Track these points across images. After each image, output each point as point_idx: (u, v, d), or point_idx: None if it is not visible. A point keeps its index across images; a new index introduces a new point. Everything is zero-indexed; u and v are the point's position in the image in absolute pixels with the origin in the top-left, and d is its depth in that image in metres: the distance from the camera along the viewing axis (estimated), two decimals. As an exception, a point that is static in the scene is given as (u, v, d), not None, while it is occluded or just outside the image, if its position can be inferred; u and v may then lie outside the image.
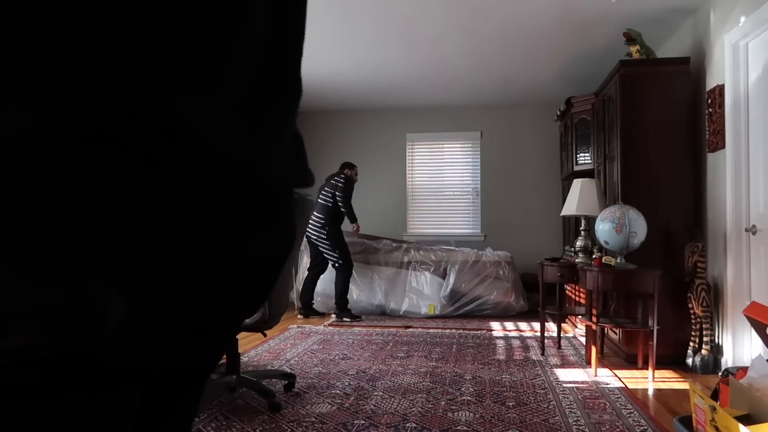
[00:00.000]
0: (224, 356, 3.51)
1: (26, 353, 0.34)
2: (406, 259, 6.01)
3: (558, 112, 5.81)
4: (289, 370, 3.48)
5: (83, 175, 0.35)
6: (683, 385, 3.25)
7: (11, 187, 0.33)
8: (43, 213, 0.34)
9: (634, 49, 4.08)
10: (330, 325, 5.33)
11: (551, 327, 4.67)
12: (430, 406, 2.83)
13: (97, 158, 0.36)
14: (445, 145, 7.15)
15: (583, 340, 4.35)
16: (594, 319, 3.50)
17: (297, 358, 3.88)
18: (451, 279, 5.85)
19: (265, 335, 3.41)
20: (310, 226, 5.53)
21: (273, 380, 3.19)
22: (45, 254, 0.34)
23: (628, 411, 2.74)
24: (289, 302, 3.16)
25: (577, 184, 4.13)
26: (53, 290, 0.34)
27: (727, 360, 3.43)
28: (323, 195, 5.57)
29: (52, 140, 0.34)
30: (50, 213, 0.34)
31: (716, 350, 3.59)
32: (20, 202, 0.33)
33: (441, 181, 7.11)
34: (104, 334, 0.36)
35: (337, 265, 5.55)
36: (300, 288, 5.96)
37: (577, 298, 5.02)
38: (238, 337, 3.00)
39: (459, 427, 2.51)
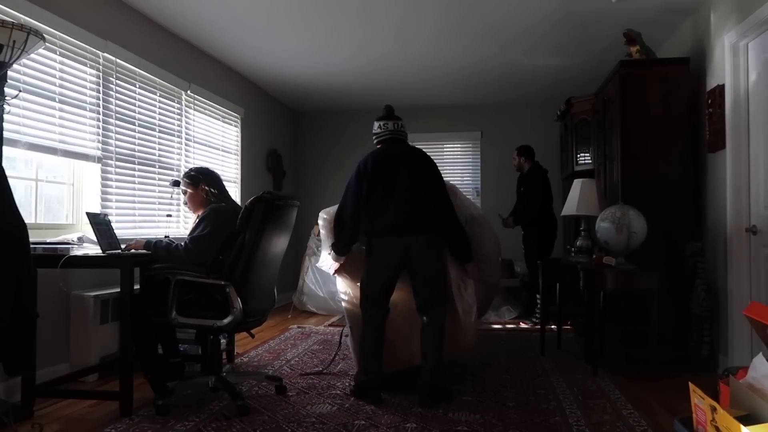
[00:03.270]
0: (225, 357, 3.52)
1: None
2: None
3: (558, 113, 5.81)
4: (289, 370, 3.48)
5: None
6: (683, 385, 3.24)
7: None
8: None
9: (634, 49, 4.08)
10: (330, 325, 5.33)
11: (551, 327, 4.67)
12: (430, 406, 2.82)
13: None
14: (445, 145, 7.15)
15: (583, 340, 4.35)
16: (594, 319, 3.50)
17: (297, 359, 3.88)
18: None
19: (252, 336, 3.44)
20: None
21: (271, 382, 3.18)
22: None
23: (628, 411, 2.74)
24: (275, 301, 3.16)
25: (577, 184, 4.12)
26: None
27: (727, 360, 3.43)
28: None
29: None
30: None
31: (716, 350, 3.59)
32: None
33: (441, 181, 7.10)
34: None
35: None
36: (303, 289, 6.02)
37: (577, 298, 5.02)
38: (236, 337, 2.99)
39: (459, 427, 2.50)
